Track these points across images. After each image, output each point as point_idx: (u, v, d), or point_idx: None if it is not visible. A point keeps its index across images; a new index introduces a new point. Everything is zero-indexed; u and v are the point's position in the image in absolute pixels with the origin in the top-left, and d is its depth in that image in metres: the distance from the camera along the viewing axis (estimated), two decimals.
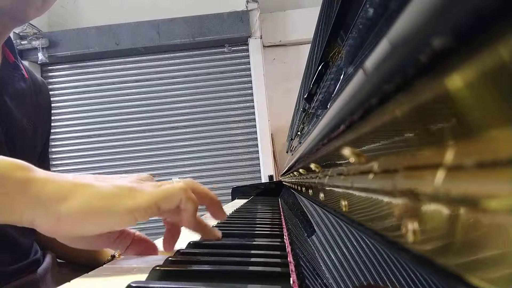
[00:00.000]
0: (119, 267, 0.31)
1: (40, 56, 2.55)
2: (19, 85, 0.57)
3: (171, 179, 0.37)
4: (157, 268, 0.26)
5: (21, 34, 2.50)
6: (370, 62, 0.13)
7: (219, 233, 0.38)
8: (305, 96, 0.48)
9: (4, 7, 0.47)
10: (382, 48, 0.12)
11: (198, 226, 0.35)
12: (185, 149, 3.06)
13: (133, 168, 2.90)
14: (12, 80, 0.56)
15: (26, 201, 0.27)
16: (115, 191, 0.29)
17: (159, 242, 0.38)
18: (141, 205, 0.29)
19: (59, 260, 0.69)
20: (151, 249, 0.36)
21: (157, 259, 0.33)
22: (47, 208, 0.27)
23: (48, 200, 0.27)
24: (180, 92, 3.11)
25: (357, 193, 0.20)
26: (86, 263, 0.69)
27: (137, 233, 0.37)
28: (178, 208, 0.32)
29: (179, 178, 0.36)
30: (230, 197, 1.51)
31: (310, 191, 0.46)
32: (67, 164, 2.64)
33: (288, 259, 0.30)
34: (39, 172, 0.28)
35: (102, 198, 0.28)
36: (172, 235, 0.36)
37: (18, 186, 0.27)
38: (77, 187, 0.28)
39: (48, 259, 0.63)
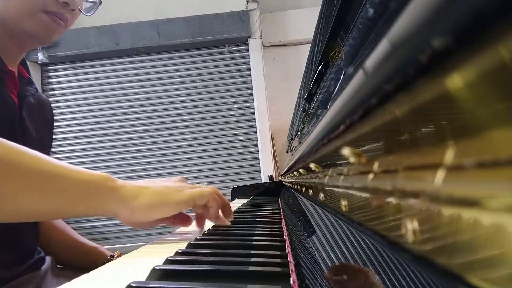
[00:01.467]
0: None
1: (40, 56, 2.55)
2: (32, 99, 0.63)
3: (199, 182, 0.54)
4: (157, 268, 0.26)
5: None
6: (370, 62, 0.13)
7: (228, 222, 0.51)
8: (305, 96, 0.48)
9: (35, 32, 0.54)
10: (382, 48, 0.12)
11: (217, 219, 0.49)
12: (185, 149, 3.06)
13: (133, 168, 2.90)
14: (27, 95, 0.61)
15: (113, 201, 0.40)
16: (166, 190, 0.43)
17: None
18: (184, 200, 0.43)
19: (58, 266, 0.71)
20: (188, 221, 0.51)
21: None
22: (125, 204, 0.40)
23: (125, 199, 0.40)
24: (180, 92, 3.11)
25: (357, 193, 0.20)
26: (84, 266, 0.71)
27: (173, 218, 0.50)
28: (205, 205, 0.46)
29: (205, 183, 0.52)
30: (230, 197, 1.51)
31: (310, 191, 0.46)
32: None
33: (288, 259, 0.30)
34: (118, 181, 0.42)
35: (158, 195, 0.42)
36: (200, 222, 0.52)
37: (108, 191, 0.40)
38: (142, 189, 0.42)
39: (48, 261, 0.67)
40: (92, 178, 0.39)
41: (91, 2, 0.62)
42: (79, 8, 0.58)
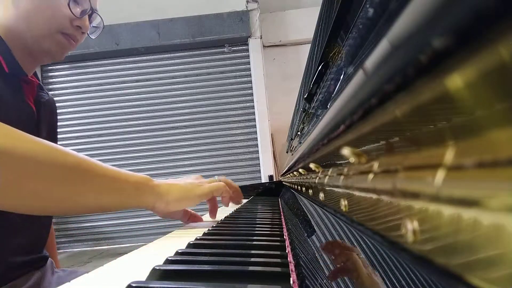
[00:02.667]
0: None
1: None
2: (45, 104, 0.68)
3: (214, 176, 0.65)
4: (157, 268, 0.26)
5: None
6: (370, 62, 0.13)
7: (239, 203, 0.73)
8: (305, 96, 0.48)
9: (52, 50, 0.62)
10: (382, 48, 0.12)
11: (228, 204, 0.65)
12: (185, 149, 3.06)
13: (133, 168, 2.90)
14: (41, 101, 0.67)
15: (153, 196, 0.52)
16: (190, 186, 0.56)
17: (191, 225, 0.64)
18: (205, 193, 0.57)
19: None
20: (199, 219, 0.65)
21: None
22: (161, 199, 0.52)
23: (161, 194, 0.52)
24: (180, 92, 3.11)
25: (357, 193, 0.20)
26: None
27: (192, 211, 0.64)
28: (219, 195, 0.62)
29: (217, 176, 0.64)
30: None
31: (310, 191, 0.46)
32: None
33: (288, 259, 0.30)
34: (155, 181, 0.53)
35: (185, 191, 0.55)
36: (213, 211, 0.65)
37: (150, 189, 0.52)
38: (172, 186, 0.54)
39: (49, 261, 0.70)
40: (139, 180, 0.51)
41: (95, 27, 0.70)
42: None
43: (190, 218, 0.63)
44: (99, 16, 0.69)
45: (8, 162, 0.38)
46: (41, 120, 0.65)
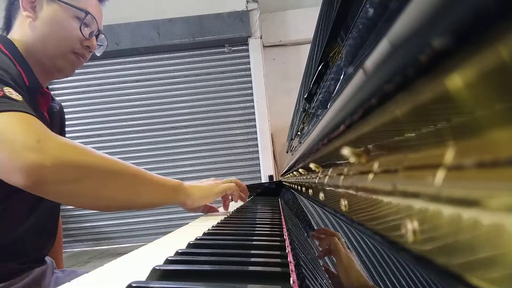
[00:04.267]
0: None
1: None
2: (56, 113, 0.76)
3: (228, 177, 0.82)
4: (157, 268, 0.26)
5: None
6: (370, 62, 0.13)
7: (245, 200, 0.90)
8: (305, 96, 0.48)
9: (64, 68, 0.70)
10: (382, 48, 0.12)
11: (237, 200, 0.84)
12: (185, 149, 3.06)
13: None
14: (54, 111, 0.75)
15: (184, 196, 0.66)
16: (209, 187, 0.72)
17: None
18: (221, 191, 0.74)
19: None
20: (216, 210, 0.81)
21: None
22: (189, 197, 0.67)
23: (190, 194, 0.67)
24: (180, 92, 3.11)
25: (357, 193, 0.20)
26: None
27: (210, 205, 0.79)
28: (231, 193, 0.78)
29: (229, 178, 0.82)
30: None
31: (310, 191, 0.46)
32: None
33: (288, 259, 0.30)
34: (185, 184, 0.68)
35: (206, 190, 0.71)
36: (226, 205, 0.82)
37: (183, 191, 0.66)
38: (197, 188, 0.69)
39: (49, 261, 0.72)
40: (175, 184, 0.66)
41: (100, 44, 0.78)
42: None
43: (209, 210, 0.80)
44: (104, 35, 0.77)
45: (91, 174, 0.51)
46: (53, 126, 0.73)
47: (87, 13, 0.68)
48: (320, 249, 0.31)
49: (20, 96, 0.52)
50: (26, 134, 0.47)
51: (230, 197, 0.82)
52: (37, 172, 0.46)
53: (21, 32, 0.66)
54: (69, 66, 0.70)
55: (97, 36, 0.73)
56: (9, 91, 0.51)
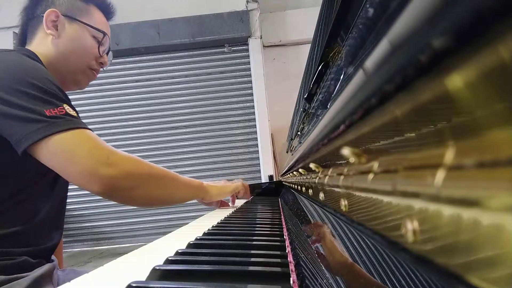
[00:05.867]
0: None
1: None
2: None
3: (236, 179, 1.07)
4: (157, 268, 0.26)
5: None
6: (370, 62, 0.13)
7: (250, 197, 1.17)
8: (305, 96, 0.48)
9: (82, 81, 0.79)
10: (382, 48, 0.12)
11: (242, 197, 1.09)
12: (185, 149, 3.06)
13: None
14: None
15: (204, 193, 0.85)
16: (223, 186, 0.94)
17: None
18: (232, 190, 0.99)
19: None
20: (227, 205, 1.02)
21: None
22: (208, 194, 0.86)
23: (208, 191, 0.86)
24: (180, 92, 3.11)
25: (357, 193, 0.20)
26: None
27: (222, 201, 0.99)
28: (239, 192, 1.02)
29: (236, 180, 1.05)
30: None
31: (310, 191, 0.46)
32: None
33: (288, 259, 0.30)
34: (204, 183, 0.85)
35: (221, 189, 0.92)
36: (233, 201, 1.04)
37: (204, 189, 0.84)
38: (214, 187, 0.88)
39: (55, 260, 0.73)
40: (198, 183, 0.82)
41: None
42: None
43: (221, 205, 1.00)
44: (111, 52, 0.87)
45: (148, 180, 0.64)
46: None
47: (104, 34, 0.77)
48: (313, 238, 0.39)
49: (75, 111, 0.59)
50: (97, 150, 0.57)
51: (236, 195, 1.03)
52: (112, 182, 0.57)
53: (44, 47, 0.72)
54: (86, 80, 0.79)
55: (107, 53, 0.82)
56: (68, 108, 0.57)
